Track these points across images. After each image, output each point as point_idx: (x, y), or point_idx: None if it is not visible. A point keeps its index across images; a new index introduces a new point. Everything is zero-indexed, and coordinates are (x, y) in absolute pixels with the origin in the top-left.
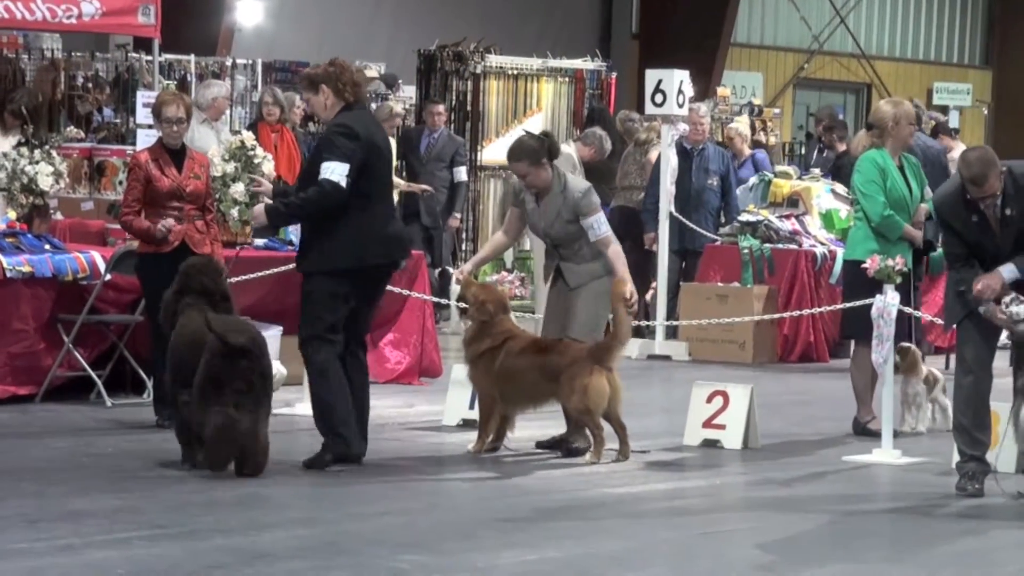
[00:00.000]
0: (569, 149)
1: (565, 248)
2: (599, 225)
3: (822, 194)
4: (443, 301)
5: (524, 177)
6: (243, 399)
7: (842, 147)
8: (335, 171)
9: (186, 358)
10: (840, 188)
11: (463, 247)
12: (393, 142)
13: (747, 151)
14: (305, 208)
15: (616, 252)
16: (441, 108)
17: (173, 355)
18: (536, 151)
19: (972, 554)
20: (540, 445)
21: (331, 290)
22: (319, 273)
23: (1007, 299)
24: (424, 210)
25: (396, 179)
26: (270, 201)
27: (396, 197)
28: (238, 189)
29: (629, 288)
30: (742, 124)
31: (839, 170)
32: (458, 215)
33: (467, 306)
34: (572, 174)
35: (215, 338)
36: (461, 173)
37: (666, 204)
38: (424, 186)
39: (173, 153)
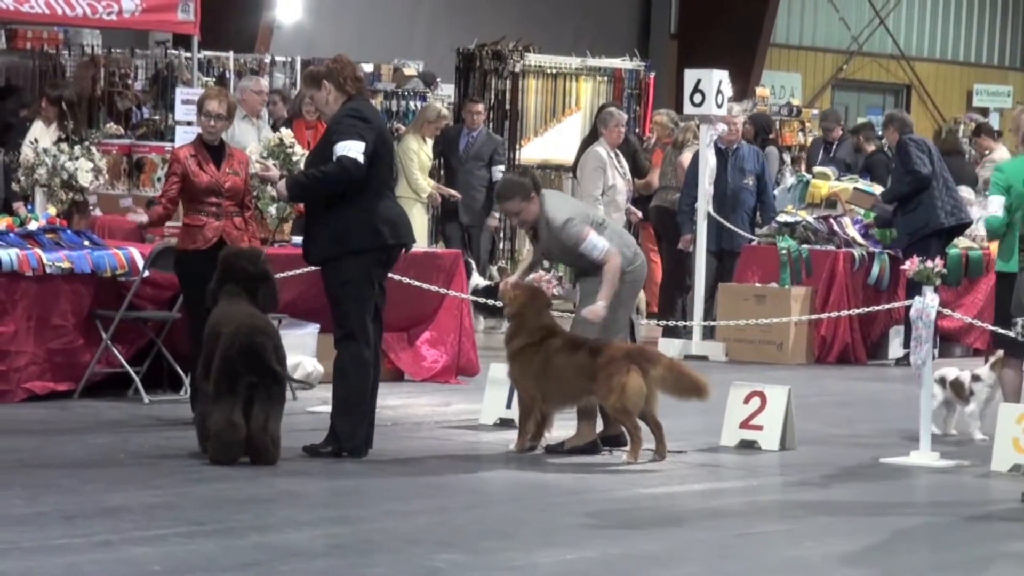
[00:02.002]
0: (599, 148)
1: (578, 264)
2: (592, 249)
3: None
4: (481, 300)
5: (517, 215)
6: (256, 393)
7: (871, 147)
8: (352, 149)
9: (212, 348)
10: (878, 188)
11: (501, 246)
12: (429, 144)
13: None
14: (325, 182)
15: (608, 271)
16: (480, 107)
17: (204, 345)
18: (525, 186)
19: (1011, 557)
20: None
21: (350, 275)
22: (335, 259)
23: None
24: (462, 209)
25: (429, 181)
26: (276, 189)
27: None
28: None
29: (594, 311)
30: (665, 116)
31: (870, 168)
32: (497, 214)
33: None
34: (606, 172)
35: (231, 332)
36: (499, 172)
37: (704, 204)
38: (453, 192)
39: (212, 149)
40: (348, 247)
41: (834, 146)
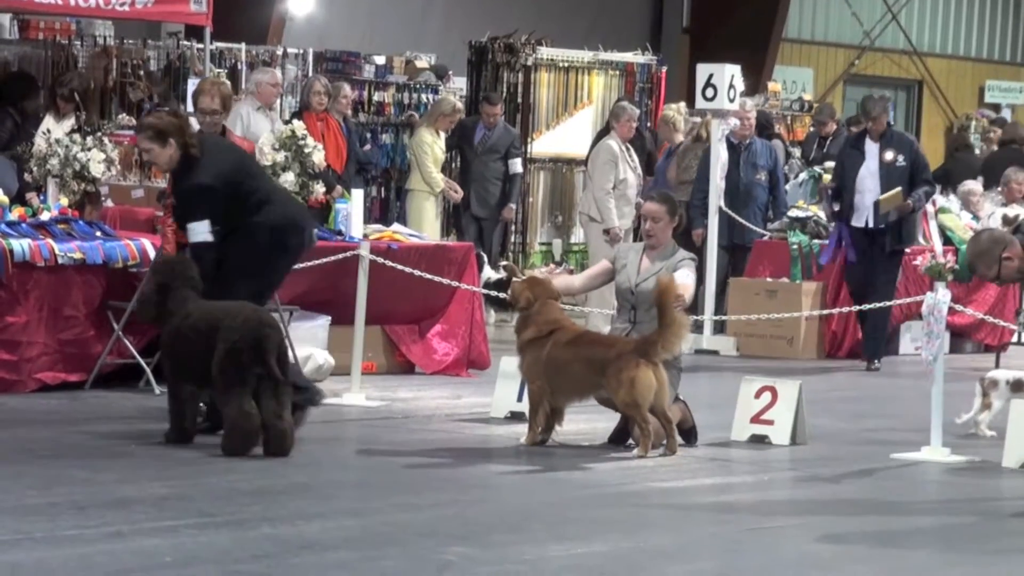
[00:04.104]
0: (611, 142)
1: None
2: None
3: None
4: (493, 293)
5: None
6: (265, 384)
7: None
8: (198, 232)
9: (191, 350)
10: None
11: (513, 239)
12: (442, 137)
13: (679, 139)
14: (197, 263)
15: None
16: (498, 109)
17: (174, 348)
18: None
19: (1021, 552)
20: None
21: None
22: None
23: None
24: (476, 201)
25: (439, 176)
26: None
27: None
28: (288, 178)
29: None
30: (673, 111)
31: None
32: (513, 206)
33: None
34: (617, 166)
35: (237, 324)
36: (516, 165)
37: (715, 199)
38: (455, 187)
39: None
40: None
41: (828, 140)
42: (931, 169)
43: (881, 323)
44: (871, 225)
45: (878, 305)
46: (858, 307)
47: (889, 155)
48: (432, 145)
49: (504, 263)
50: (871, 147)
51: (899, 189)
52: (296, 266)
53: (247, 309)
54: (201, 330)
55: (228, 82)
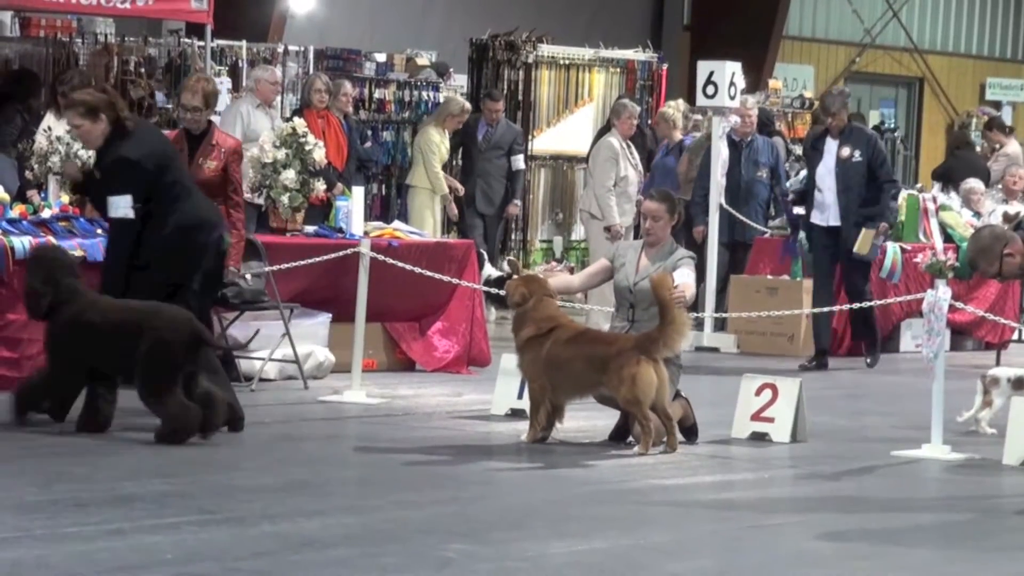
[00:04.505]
0: (612, 139)
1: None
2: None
3: None
4: (493, 291)
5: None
6: (197, 371)
7: None
8: (119, 206)
9: (98, 342)
10: None
11: (514, 236)
12: (447, 137)
13: (678, 137)
14: (113, 245)
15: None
16: (500, 105)
17: (74, 339)
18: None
19: (1021, 549)
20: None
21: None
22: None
23: None
24: (480, 197)
25: (443, 176)
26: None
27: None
28: (289, 176)
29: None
30: (671, 108)
31: None
32: (518, 203)
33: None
34: (618, 163)
35: (165, 323)
36: (519, 161)
37: (716, 196)
38: (457, 185)
39: (192, 138)
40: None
41: None
42: (933, 167)
43: (865, 319)
44: (830, 223)
45: (875, 303)
46: (858, 305)
47: (846, 151)
48: (440, 144)
49: (509, 259)
50: (830, 144)
51: (865, 231)
52: (297, 263)
53: (170, 307)
54: (115, 323)
55: (213, 79)
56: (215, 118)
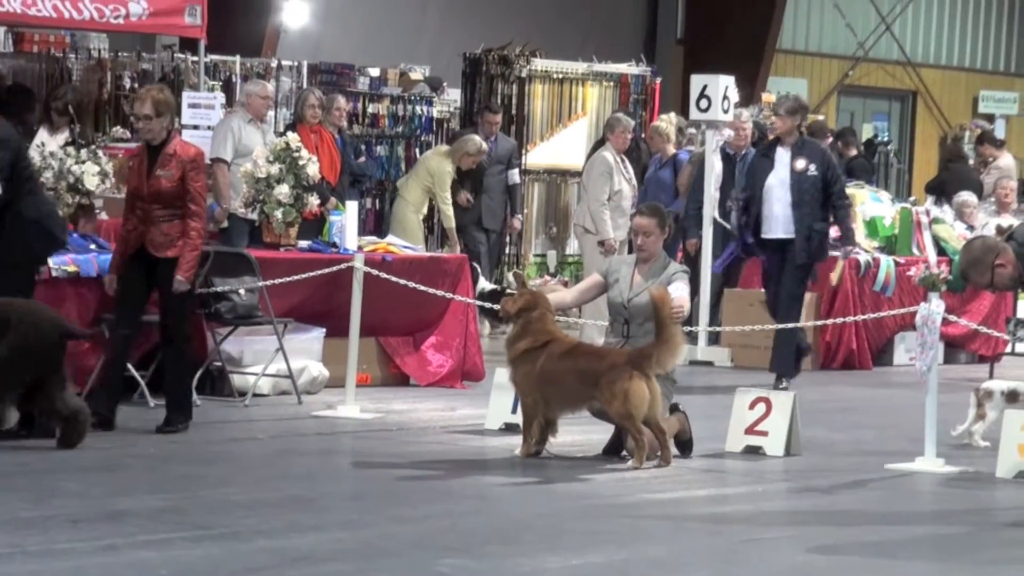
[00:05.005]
0: (606, 154)
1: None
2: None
3: (867, 201)
4: (487, 305)
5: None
6: (54, 378)
7: (852, 152)
8: None
9: None
10: (884, 194)
11: (507, 250)
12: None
13: (671, 151)
14: None
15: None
16: (498, 118)
17: None
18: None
19: (1017, 564)
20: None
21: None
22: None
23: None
24: (486, 213)
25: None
26: None
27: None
28: (283, 191)
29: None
30: (664, 122)
31: (852, 172)
32: (521, 217)
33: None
34: (612, 177)
35: (33, 323)
36: (515, 175)
37: (710, 210)
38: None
39: (152, 150)
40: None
41: None
42: (926, 180)
43: (787, 339)
44: (779, 236)
45: (869, 316)
46: (852, 318)
47: (800, 163)
48: (452, 176)
49: (515, 271)
50: (782, 155)
51: (839, 263)
52: (290, 278)
53: (41, 307)
54: None
55: (167, 89)
56: (205, 133)
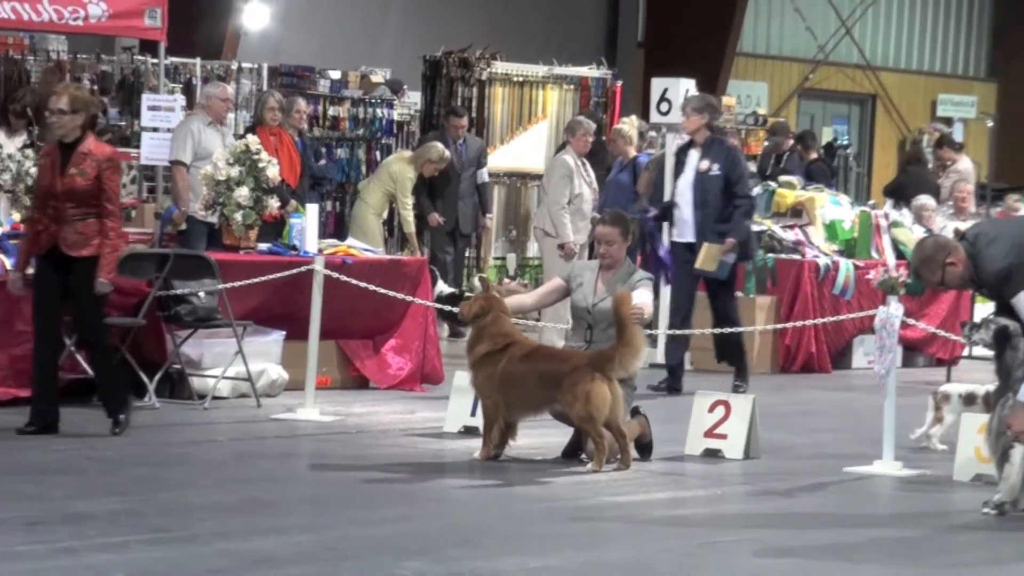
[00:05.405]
0: (566, 157)
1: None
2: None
3: (827, 204)
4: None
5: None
6: None
7: (813, 155)
8: None
9: None
10: (844, 198)
11: (467, 253)
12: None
13: (631, 153)
14: None
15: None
16: (464, 121)
17: None
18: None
19: (973, 565)
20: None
21: None
22: None
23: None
24: (463, 219)
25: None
26: None
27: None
28: (242, 193)
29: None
30: (627, 125)
31: (811, 176)
32: (491, 216)
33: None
34: (572, 180)
35: None
36: (484, 174)
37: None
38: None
39: (65, 148)
40: None
41: (784, 157)
42: (885, 183)
43: (739, 345)
44: (688, 240)
45: (828, 319)
46: (811, 322)
47: (705, 164)
48: (413, 181)
49: (480, 275)
50: (692, 156)
51: (708, 246)
52: (250, 281)
53: None
54: None
55: (84, 87)
56: (165, 135)
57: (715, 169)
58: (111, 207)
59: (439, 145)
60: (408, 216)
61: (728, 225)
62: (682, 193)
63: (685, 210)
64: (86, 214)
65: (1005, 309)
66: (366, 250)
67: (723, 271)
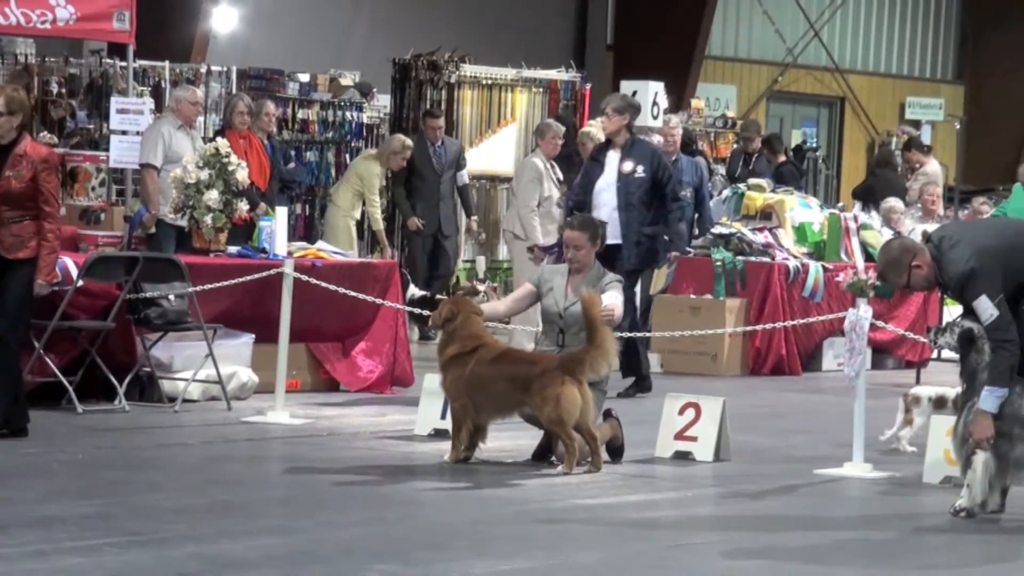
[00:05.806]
0: (536, 160)
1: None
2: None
3: (796, 207)
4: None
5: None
6: None
7: (782, 158)
8: None
9: None
10: (813, 200)
11: (462, 255)
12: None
13: None
14: None
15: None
16: (441, 122)
17: None
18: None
19: (942, 567)
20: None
21: None
22: None
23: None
24: (444, 221)
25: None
26: None
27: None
28: (212, 196)
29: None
30: (595, 128)
31: (780, 178)
32: (476, 217)
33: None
34: (542, 183)
35: None
36: (464, 176)
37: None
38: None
39: (1, 151)
40: None
41: (753, 157)
42: (854, 186)
43: (636, 351)
44: (608, 241)
45: (798, 322)
46: (781, 324)
47: (628, 165)
48: (380, 178)
49: (463, 284)
50: (612, 157)
51: (658, 273)
52: (220, 284)
53: None
54: None
55: (22, 90)
56: (134, 139)
57: (640, 171)
58: (49, 209)
59: (399, 136)
60: (376, 214)
61: (657, 228)
62: (599, 194)
63: (603, 212)
64: (22, 216)
65: (970, 312)
66: (336, 253)
67: (668, 280)
